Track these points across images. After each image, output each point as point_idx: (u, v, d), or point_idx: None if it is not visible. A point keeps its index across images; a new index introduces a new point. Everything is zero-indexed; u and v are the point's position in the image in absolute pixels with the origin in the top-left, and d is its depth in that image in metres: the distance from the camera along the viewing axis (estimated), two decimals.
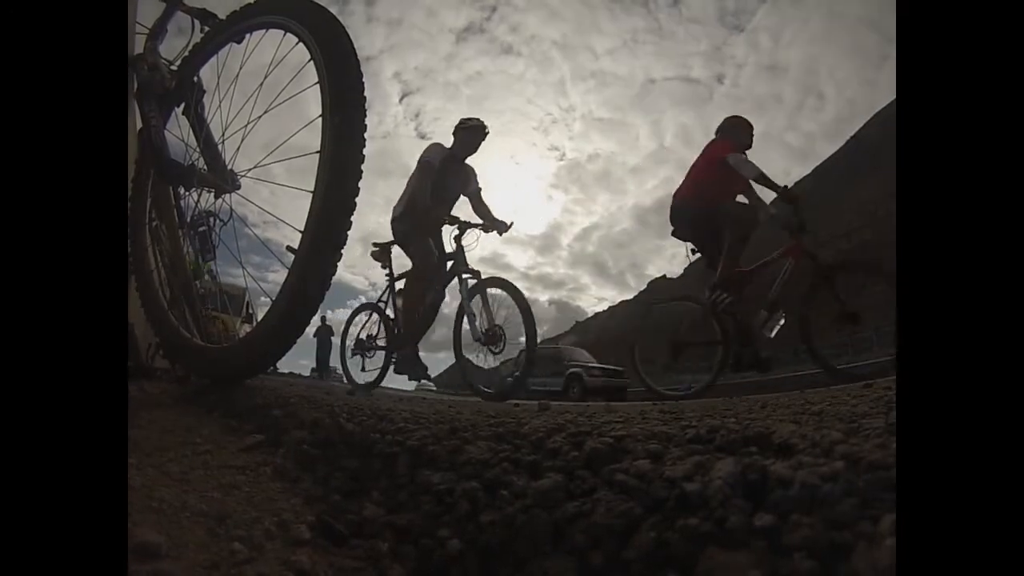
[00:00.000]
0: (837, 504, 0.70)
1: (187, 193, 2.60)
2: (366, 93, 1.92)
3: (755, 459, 0.85)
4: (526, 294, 4.92)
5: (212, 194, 2.48)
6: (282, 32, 2.14)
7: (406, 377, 5.42)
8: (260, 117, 2.25)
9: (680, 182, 5.58)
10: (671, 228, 5.54)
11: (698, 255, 5.50)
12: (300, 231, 1.88)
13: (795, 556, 0.67)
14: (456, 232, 5.16)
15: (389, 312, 5.81)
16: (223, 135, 2.44)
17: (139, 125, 2.61)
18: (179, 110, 2.63)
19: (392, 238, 5.49)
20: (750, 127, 5.63)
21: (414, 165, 5.24)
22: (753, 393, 4.30)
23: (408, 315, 5.26)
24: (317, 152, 1.86)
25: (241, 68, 2.44)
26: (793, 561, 0.67)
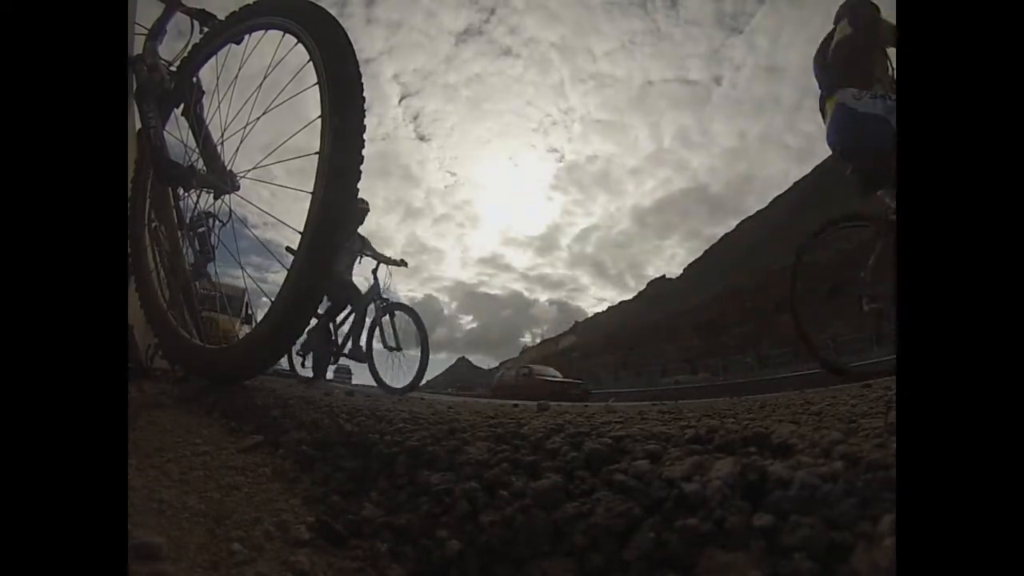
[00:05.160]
0: (837, 504, 0.70)
1: (186, 194, 2.60)
2: (365, 94, 1.93)
3: (754, 459, 0.85)
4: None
5: (211, 195, 2.48)
6: (281, 33, 2.14)
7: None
8: (259, 118, 2.25)
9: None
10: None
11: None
12: (299, 232, 1.88)
13: (795, 556, 0.67)
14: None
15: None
16: (222, 136, 2.44)
17: (138, 126, 2.61)
18: (178, 111, 2.63)
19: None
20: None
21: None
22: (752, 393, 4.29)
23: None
24: (316, 153, 1.87)
25: (240, 69, 2.44)
26: (793, 561, 0.67)
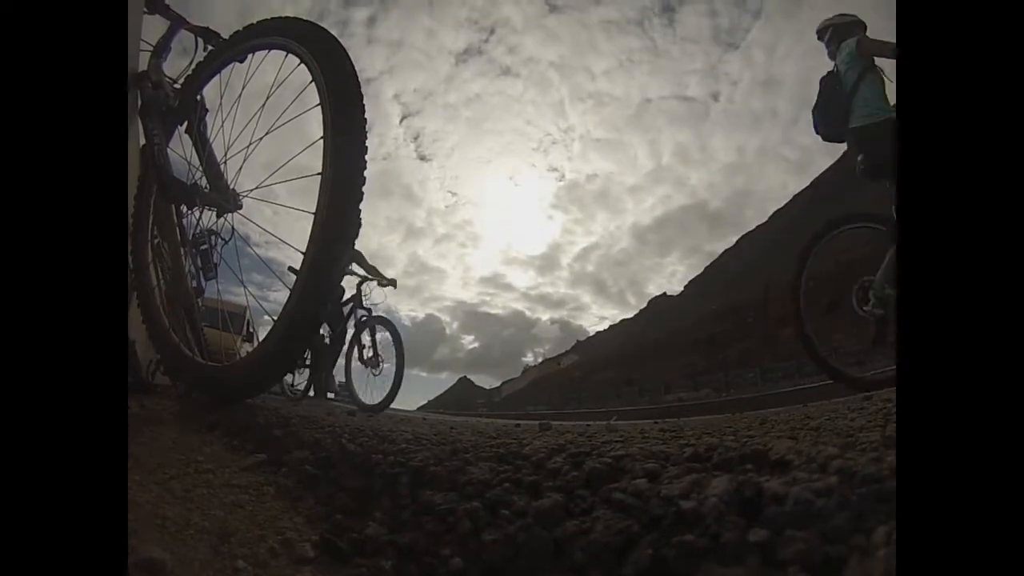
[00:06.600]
0: (831, 518, 0.71)
1: (189, 211, 2.61)
2: (367, 115, 1.94)
3: (751, 476, 0.86)
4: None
5: (214, 213, 2.49)
6: (284, 53, 2.16)
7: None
8: (262, 138, 2.27)
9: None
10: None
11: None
12: (302, 252, 1.89)
13: (789, 570, 0.68)
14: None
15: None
16: (225, 154, 2.46)
17: (142, 142, 2.63)
18: (182, 128, 2.65)
19: None
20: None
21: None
22: (754, 408, 4.29)
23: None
24: (319, 173, 1.88)
25: (244, 88, 2.46)
26: (787, 574, 0.68)
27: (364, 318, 6.94)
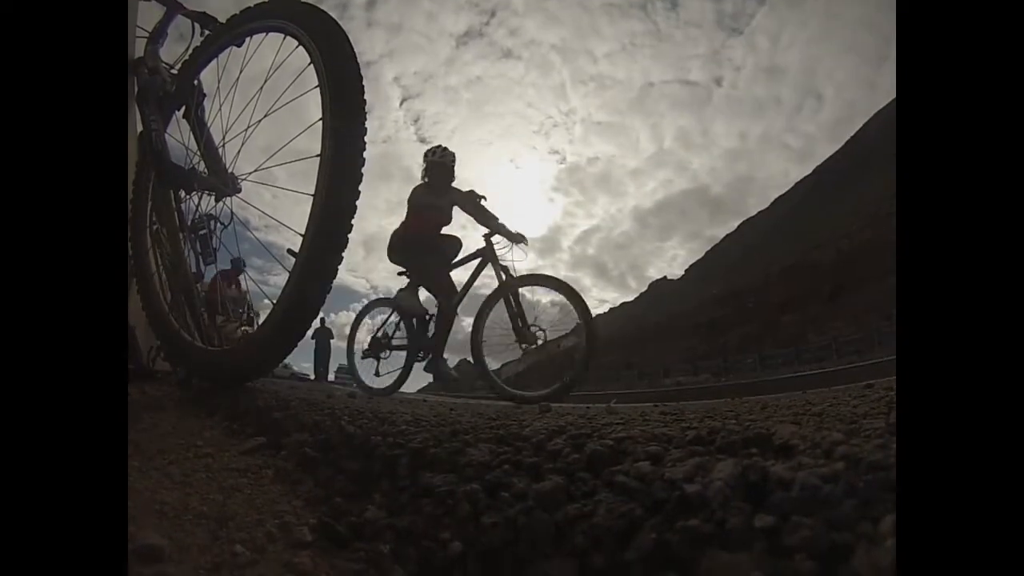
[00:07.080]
0: (838, 505, 0.70)
1: (188, 196, 2.60)
2: (366, 97, 1.92)
3: (755, 460, 0.85)
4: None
5: (213, 197, 2.48)
6: (282, 36, 2.14)
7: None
8: (260, 121, 2.25)
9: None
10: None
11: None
12: (301, 234, 1.88)
13: (796, 557, 0.67)
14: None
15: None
16: (223, 138, 2.44)
17: (140, 128, 2.61)
18: (179, 114, 2.63)
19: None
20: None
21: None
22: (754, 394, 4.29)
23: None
24: (318, 156, 1.86)
25: (241, 72, 2.44)
26: (794, 562, 0.67)
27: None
